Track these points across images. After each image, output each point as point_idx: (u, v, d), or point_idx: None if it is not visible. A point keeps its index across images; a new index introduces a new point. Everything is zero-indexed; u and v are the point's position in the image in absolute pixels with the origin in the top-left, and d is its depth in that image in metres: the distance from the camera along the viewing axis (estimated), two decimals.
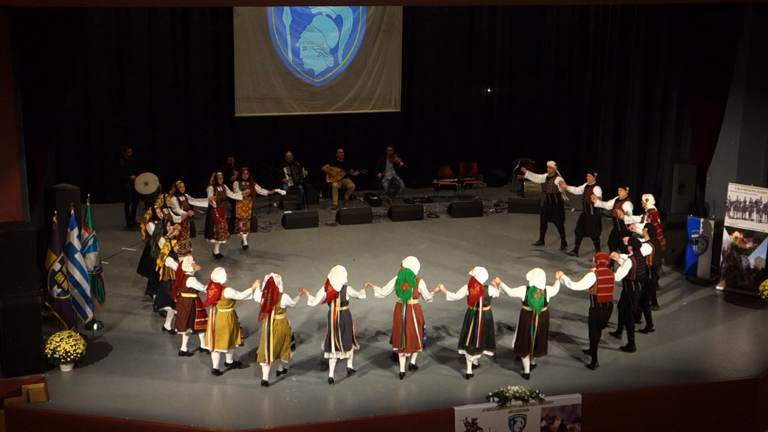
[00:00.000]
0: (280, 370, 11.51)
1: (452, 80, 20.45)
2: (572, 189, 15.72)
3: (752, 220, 14.24)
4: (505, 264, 15.37)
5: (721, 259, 14.54)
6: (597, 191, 15.23)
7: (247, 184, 15.85)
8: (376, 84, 19.74)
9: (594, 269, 11.76)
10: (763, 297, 13.78)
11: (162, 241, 12.66)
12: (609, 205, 14.83)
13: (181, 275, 11.77)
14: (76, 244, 12.13)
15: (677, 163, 15.81)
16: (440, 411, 10.71)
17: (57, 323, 11.95)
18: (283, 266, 15.16)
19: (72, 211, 12.17)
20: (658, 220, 13.86)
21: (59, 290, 11.89)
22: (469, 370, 11.56)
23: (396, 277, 11.38)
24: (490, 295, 11.41)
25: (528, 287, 11.37)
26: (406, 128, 20.32)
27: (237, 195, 15.67)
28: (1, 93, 11.42)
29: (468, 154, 20.34)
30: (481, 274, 11.30)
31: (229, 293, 11.27)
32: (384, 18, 19.46)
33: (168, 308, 12.55)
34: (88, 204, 12.61)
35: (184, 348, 11.97)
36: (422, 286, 11.41)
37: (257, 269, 14.96)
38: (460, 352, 11.62)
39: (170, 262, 12.22)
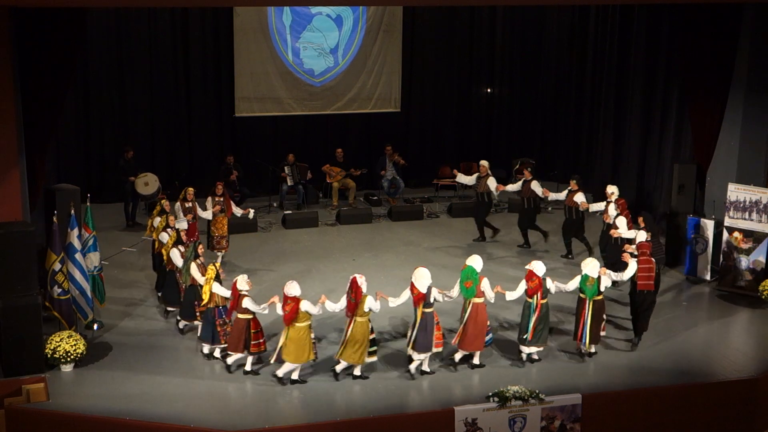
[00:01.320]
0: (357, 373, 11.42)
1: (452, 80, 20.44)
2: (510, 187, 16.41)
3: (752, 220, 14.24)
4: (505, 264, 15.39)
5: (721, 259, 14.54)
6: (536, 185, 15.88)
7: (221, 199, 14.81)
8: (376, 84, 19.74)
9: (635, 258, 12.20)
10: (763, 297, 13.79)
11: (194, 266, 12.01)
12: (561, 196, 15.65)
13: (237, 295, 11.32)
14: (76, 244, 12.12)
15: (677, 163, 15.80)
16: (440, 411, 10.72)
17: (57, 323, 11.94)
18: (283, 266, 15.17)
19: (72, 211, 12.17)
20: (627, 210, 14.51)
21: (59, 290, 11.89)
22: (525, 357, 11.92)
23: (460, 274, 11.60)
24: (548, 288, 11.68)
25: (582, 276, 11.81)
26: (406, 128, 20.31)
27: (207, 213, 14.62)
28: (1, 93, 11.42)
29: (468, 154, 20.32)
30: (538, 267, 11.63)
31: (306, 306, 11.01)
32: (384, 18, 19.46)
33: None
34: (88, 204, 12.60)
35: (248, 367, 11.52)
36: (485, 284, 11.57)
37: (257, 270, 14.96)
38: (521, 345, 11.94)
39: (218, 288, 11.57)
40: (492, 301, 11.68)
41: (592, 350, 12.14)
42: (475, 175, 16.61)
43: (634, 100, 17.98)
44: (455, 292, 11.65)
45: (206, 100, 18.95)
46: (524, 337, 11.71)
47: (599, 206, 14.96)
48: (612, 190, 14.72)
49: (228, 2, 17.01)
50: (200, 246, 12.29)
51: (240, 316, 11.33)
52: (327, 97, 19.49)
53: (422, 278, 11.26)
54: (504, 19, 20.46)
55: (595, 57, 19.30)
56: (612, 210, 14.40)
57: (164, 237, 12.97)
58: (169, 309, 13.02)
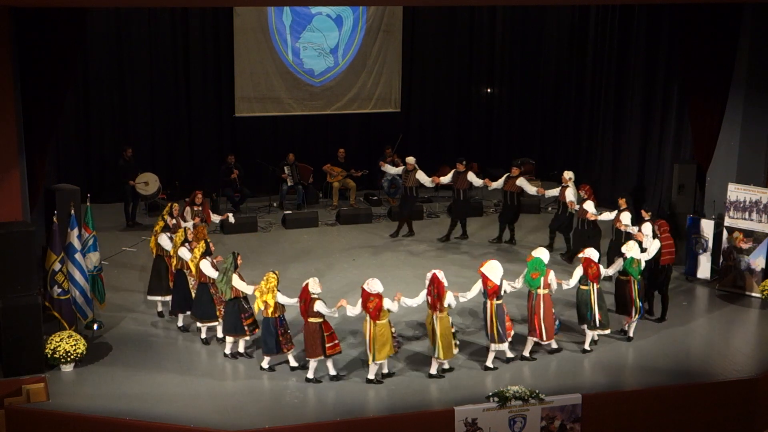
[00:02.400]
0: (447, 367, 11.58)
1: (452, 80, 20.44)
2: (444, 179, 16.54)
3: (752, 220, 14.25)
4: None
5: (721, 259, 14.54)
6: (471, 177, 16.28)
7: (199, 209, 14.16)
8: (376, 84, 19.74)
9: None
10: (763, 297, 13.79)
11: (236, 277, 11.61)
12: (499, 183, 16.27)
13: (308, 298, 11.12)
14: (76, 244, 12.12)
15: (677, 163, 15.80)
16: (440, 411, 10.72)
17: (57, 323, 11.94)
18: (283, 266, 15.16)
19: (72, 211, 12.16)
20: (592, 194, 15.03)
21: (59, 290, 11.89)
22: (587, 346, 12.28)
23: (527, 265, 11.89)
24: (601, 273, 12.31)
25: (625, 259, 12.43)
26: (406, 128, 20.28)
27: (188, 224, 13.68)
28: (1, 93, 11.42)
29: (468, 154, 20.28)
30: (594, 254, 12.18)
31: (387, 303, 11.02)
32: (384, 18, 19.46)
33: (229, 336, 11.97)
34: (88, 204, 12.60)
35: (333, 372, 11.39)
36: (552, 276, 11.89)
37: (257, 271, 14.94)
38: (582, 326, 12.39)
39: (282, 298, 11.31)
40: (552, 292, 12.01)
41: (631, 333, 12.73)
42: (401, 168, 16.80)
43: (634, 100, 17.98)
44: (520, 282, 11.95)
45: (206, 100, 18.94)
46: (594, 322, 12.13)
47: (554, 192, 15.69)
48: (569, 175, 15.37)
49: (228, 2, 17.01)
50: (239, 256, 11.85)
51: (311, 320, 11.15)
52: (327, 97, 19.48)
53: (495, 270, 11.51)
54: (504, 19, 20.46)
55: (595, 57, 19.29)
56: (570, 194, 14.97)
57: (185, 253, 12.37)
58: (202, 325, 12.34)
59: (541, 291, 11.81)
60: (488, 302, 11.56)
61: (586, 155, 19.68)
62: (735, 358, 12.27)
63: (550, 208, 18.16)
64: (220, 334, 12.33)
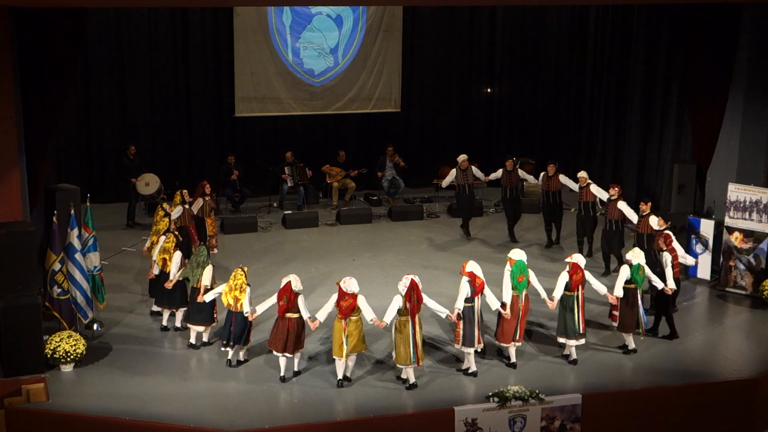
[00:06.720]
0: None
1: (452, 80, 20.45)
2: (493, 176, 16.80)
3: (752, 220, 14.25)
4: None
5: (721, 259, 14.54)
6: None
7: (209, 199, 15.09)
8: (376, 84, 19.74)
9: (666, 250, 12.72)
10: (763, 297, 13.80)
11: (207, 270, 11.93)
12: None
13: (293, 296, 11.16)
14: (76, 244, 12.12)
15: (677, 163, 15.81)
16: (440, 411, 10.72)
17: (57, 323, 11.94)
18: (283, 266, 15.16)
19: (72, 211, 12.16)
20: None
21: (59, 290, 11.89)
22: (574, 356, 11.94)
23: (510, 271, 11.58)
24: (586, 279, 11.91)
25: (632, 266, 12.00)
26: (406, 128, 20.32)
27: (195, 206, 14.72)
28: (1, 93, 11.43)
29: (468, 154, 20.27)
30: (581, 260, 11.78)
31: (362, 301, 11.08)
32: (384, 18, 19.47)
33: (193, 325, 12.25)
34: (88, 204, 12.60)
35: (296, 368, 11.53)
36: (533, 275, 11.76)
37: (258, 271, 14.96)
38: (561, 340, 12.01)
39: (247, 303, 11.48)
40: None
41: (632, 345, 12.29)
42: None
43: (634, 100, 17.99)
44: (506, 291, 11.66)
45: (206, 100, 18.96)
46: (578, 331, 11.79)
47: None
48: (585, 174, 15.56)
49: (228, 2, 17.02)
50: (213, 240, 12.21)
51: (293, 315, 11.20)
52: (327, 97, 19.50)
53: (479, 268, 11.38)
54: (504, 19, 20.47)
55: (595, 57, 19.32)
56: (595, 190, 15.16)
57: (177, 258, 12.47)
58: (167, 312, 12.71)
59: (524, 292, 11.64)
60: (476, 303, 11.34)
61: (586, 155, 19.70)
62: (735, 358, 12.27)
63: (573, 209, 18.01)
64: (178, 323, 12.65)
